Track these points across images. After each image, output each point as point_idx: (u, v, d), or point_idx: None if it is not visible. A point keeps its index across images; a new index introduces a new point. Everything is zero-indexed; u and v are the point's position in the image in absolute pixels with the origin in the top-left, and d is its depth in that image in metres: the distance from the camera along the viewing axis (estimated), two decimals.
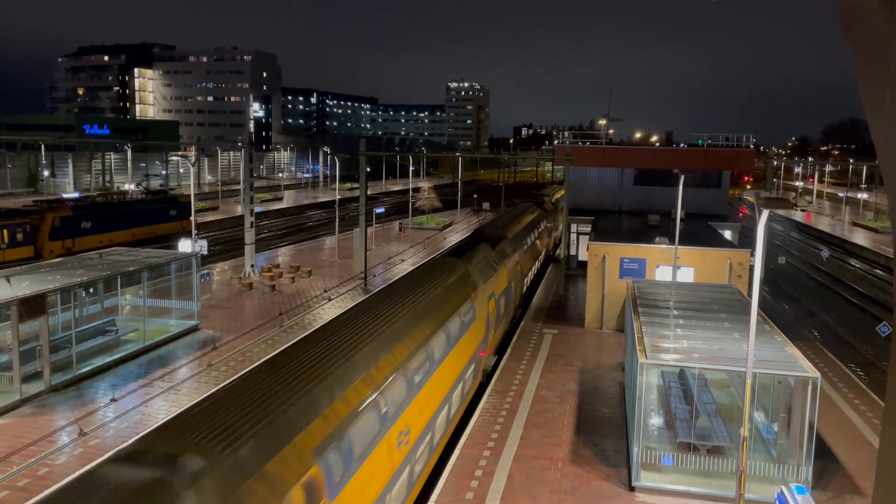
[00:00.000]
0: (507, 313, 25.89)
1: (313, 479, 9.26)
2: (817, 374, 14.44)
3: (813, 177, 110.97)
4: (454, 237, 54.86)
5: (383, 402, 12.09)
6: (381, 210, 58.15)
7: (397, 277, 24.70)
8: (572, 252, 40.24)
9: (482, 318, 20.84)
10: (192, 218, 37.44)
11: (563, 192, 45.48)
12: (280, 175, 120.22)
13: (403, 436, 12.81)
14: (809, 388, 14.41)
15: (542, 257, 40.88)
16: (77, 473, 8.37)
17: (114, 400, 20.19)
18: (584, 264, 31.84)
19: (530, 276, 34.58)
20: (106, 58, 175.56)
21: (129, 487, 7.29)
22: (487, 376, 22.31)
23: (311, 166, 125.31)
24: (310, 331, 14.80)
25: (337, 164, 58.44)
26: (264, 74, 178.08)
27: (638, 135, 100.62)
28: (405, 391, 13.26)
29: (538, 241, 39.25)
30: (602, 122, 78.14)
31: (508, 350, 25.78)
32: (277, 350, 14.01)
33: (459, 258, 22.11)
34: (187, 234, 40.45)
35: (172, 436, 8.36)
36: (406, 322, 14.77)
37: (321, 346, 12.14)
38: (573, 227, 40.13)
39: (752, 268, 26.87)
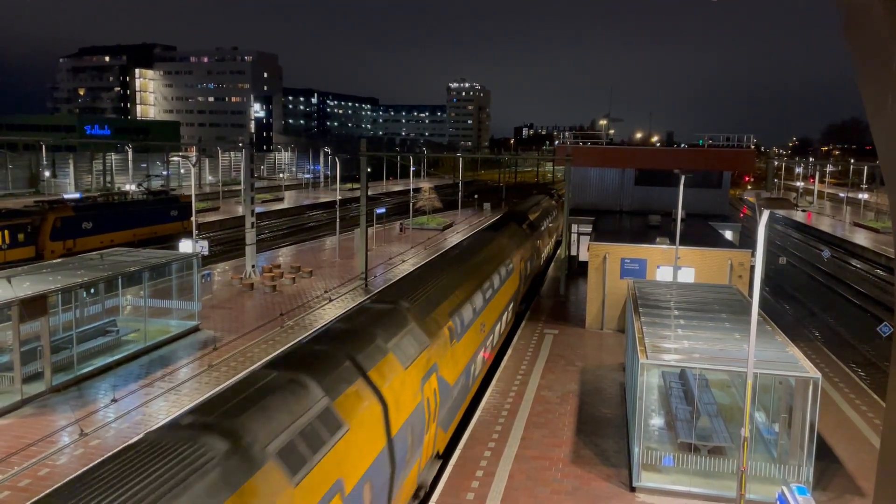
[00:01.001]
0: (532, 272, 33.49)
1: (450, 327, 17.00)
2: (818, 375, 14.44)
3: (814, 177, 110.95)
4: (455, 238, 54.85)
5: (477, 300, 20.63)
6: (381, 210, 58.14)
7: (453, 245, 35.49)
8: (573, 252, 40.23)
9: (517, 271, 28.08)
10: (192, 218, 37.44)
11: None
12: (281, 175, 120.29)
13: (483, 326, 20.67)
14: (810, 388, 14.40)
15: (555, 237, 48.85)
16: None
17: (114, 400, 20.20)
18: (584, 265, 31.85)
19: (548, 249, 42.95)
20: (107, 58, 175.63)
21: None
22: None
23: (311, 167, 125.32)
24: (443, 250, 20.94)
25: (338, 164, 58.44)
26: (265, 75, 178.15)
27: (639, 135, 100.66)
28: (483, 301, 21.38)
29: (552, 224, 46.92)
30: (603, 122, 78.13)
31: (509, 350, 25.79)
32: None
33: (497, 231, 30.48)
34: (188, 234, 40.46)
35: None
36: (478, 263, 23.41)
37: (452, 262, 22.26)
38: (574, 228, 40.13)
39: (752, 268, 26.86)
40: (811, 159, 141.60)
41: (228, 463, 8.18)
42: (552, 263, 45.34)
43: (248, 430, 8.84)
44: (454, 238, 54.46)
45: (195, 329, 27.42)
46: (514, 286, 27.53)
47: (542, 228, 40.23)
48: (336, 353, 11.92)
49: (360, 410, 11.15)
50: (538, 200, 48.75)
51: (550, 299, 34.70)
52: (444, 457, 16.91)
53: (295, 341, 20.49)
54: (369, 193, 42.42)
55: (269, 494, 8.37)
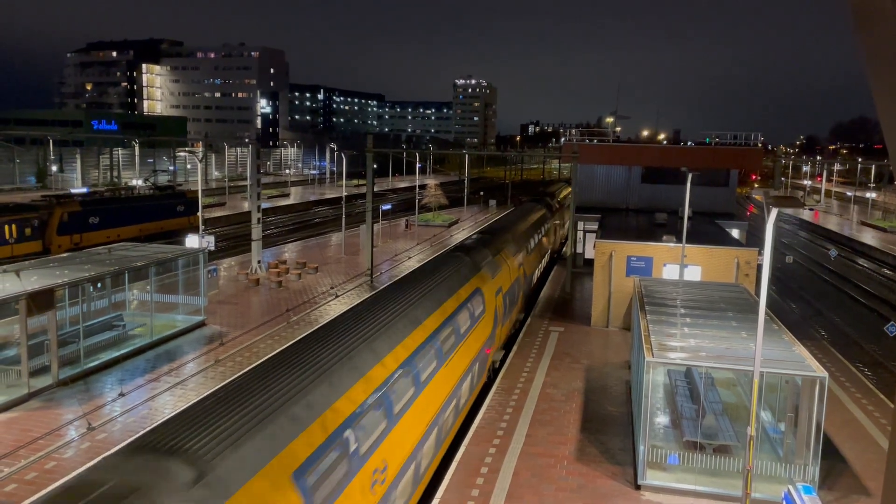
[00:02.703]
0: (556, 239, 42.45)
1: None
2: (825, 374, 14.39)
3: (821, 176, 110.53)
4: (460, 234, 54.82)
5: (525, 246, 30.09)
6: (387, 207, 58.16)
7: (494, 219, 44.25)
8: (579, 250, 40.17)
9: (550, 234, 34.43)
10: (199, 214, 37.52)
11: None
12: (287, 171, 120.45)
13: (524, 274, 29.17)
14: (817, 387, 14.36)
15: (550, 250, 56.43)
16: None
17: (121, 394, 20.28)
18: (590, 262, 31.85)
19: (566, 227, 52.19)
20: (114, 53, 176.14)
21: None
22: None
23: (317, 163, 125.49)
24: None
25: (343, 160, 58.43)
26: (272, 71, 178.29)
27: (645, 133, 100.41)
28: (525, 251, 30.13)
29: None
30: (609, 119, 77.97)
31: (514, 347, 25.79)
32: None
33: (539, 202, 42.86)
34: (195, 229, 40.55)
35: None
36: (525, 226, 32.94)
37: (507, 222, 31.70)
38: (580, 225, 40.06)
39: (759, 266, 26.78)
40: (818, 158, 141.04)
41: None
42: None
43: None
44: (460, 235, 54.47)
45: (201, 324, 27.49)
46: (548, 242, 40.35)
47: (564, 207, 49.55)
48: None
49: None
50: (560, 187, 58.83)
51: (556, 297, 34.66)
52: (448, 456, 16.93)
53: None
54: (375, 190, 42.42)
55: None
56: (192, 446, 7.96)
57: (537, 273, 34.18)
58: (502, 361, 24.08)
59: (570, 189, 49.57)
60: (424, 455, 13.92)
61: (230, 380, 10.46)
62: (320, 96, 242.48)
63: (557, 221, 46.36)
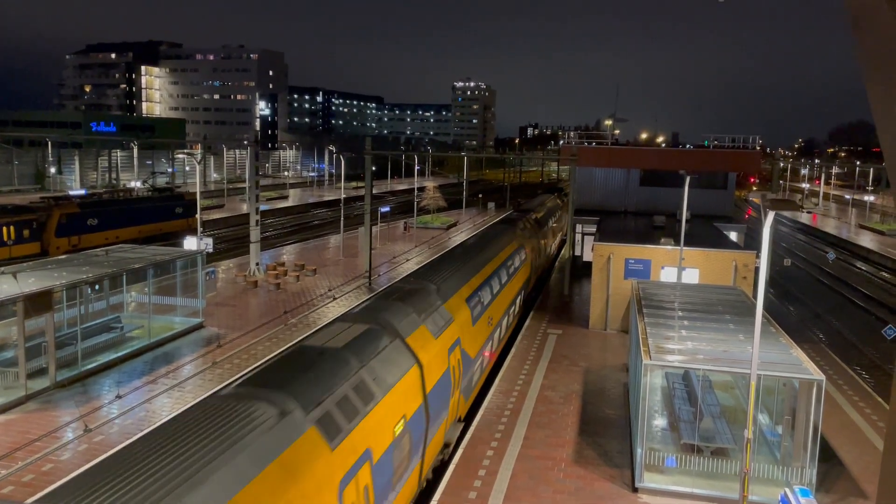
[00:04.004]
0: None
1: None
2: (822, 377, 14.40)
3: (819, 179, 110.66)
4: (459, 237, 54.84)
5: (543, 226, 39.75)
6: (386, 209, 58.16)
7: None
8: (577, 252, 40.19)
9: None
10: (197, 216, 37.52)
11: None
12: (286, 173, 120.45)
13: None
14: (814, 390, 14.37)
15: (559, 235, 58.02)
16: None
17: (119, 396, 20.26)
18: (589, 264, 31.85)
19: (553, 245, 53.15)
20: (113, 55, 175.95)
21: None
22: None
23: (316, 165, 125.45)
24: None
25: (342, 162, 58.48)
26: (271, 73, 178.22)
27: (644, 135, 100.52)
28: (537, 232, 36.64)
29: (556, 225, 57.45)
30: (608, 122, 78.05)
31: (513, 350, 25.78)
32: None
33: (552, 193, 48.95)
34: (193, 231, 40.54)
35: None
36: (546, 208, 44.57)
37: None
38: (578, 228, 40.08)
39: (757, 269, 26.79)
40: (817, 161, 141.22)
41: None
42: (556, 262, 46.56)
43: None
44: (459, 237, 54.48)
45: (199, 326, 27.47)
46: (559, 227, 48.00)
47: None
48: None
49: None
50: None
51: (554, 299, 34.67)
52: (445, 462, 16.93)
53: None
54: (374, 192, 42.45)
55: None
56: None
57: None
58: (500, 363, 24.07)
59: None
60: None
61: None
62: (319, 98, 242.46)
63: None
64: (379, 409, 11.80)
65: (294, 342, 14.25)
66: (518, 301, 27.88)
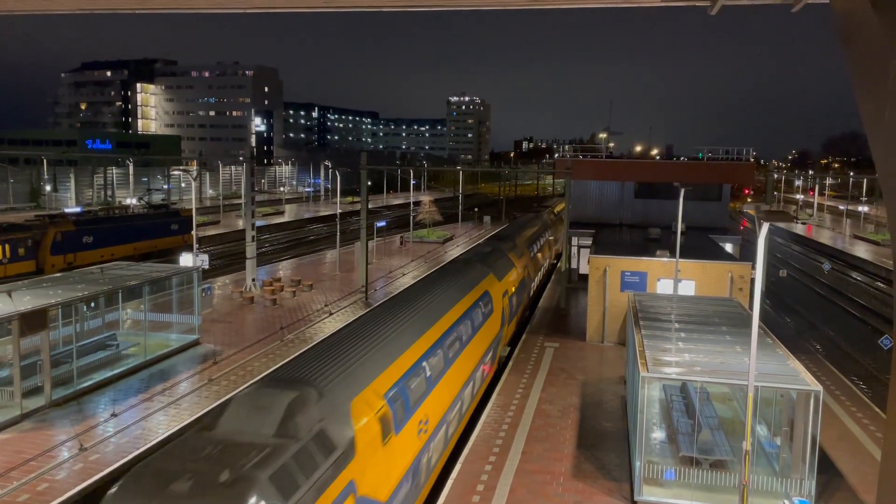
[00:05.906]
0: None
1: None
2: (819, 388, 14.41)
3: (813, 190, 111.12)
4: (455, 251, 54.87)
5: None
6: (382, 224, 58.21)
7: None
8: (573, 265, 40.24)
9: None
10: (193, 232, 37.49)
11: None
12: (281, 189, 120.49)
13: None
14: (812, 401, 14.37)
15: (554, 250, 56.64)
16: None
17: (114, 415, 20.14)
18: (585, 277, 31.85)
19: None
20: (108, 73, 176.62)
21: None
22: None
23: (312, 180, 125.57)
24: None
25: (338, 177, 58.57)
26: (266, 89, 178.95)
27: (638, 148, 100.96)
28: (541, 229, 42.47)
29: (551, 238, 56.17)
30: (602, 135, 78.38)
31: (510, 364, 25.74)
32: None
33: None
34: (189, 248, 40.49)
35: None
36: (532, 228, 41.54)
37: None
38: (574, 241, 40.16)
39: (753, 281, 26.86)
40: (811, 172, 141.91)
41: None
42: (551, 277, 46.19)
43: None
44: (455, 251, 54.52)
45: (195, 343, 27.38)
46: (560, 227, 50.29)
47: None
48: None
49: None
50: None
51: (551, 312, 34.67)
52: (445, 471, 16.84)
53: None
54: (370, 207, 42.49)
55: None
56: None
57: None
58: (498, 378, 24.00)
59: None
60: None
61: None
62: (314, 114, 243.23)
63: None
64: None
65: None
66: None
